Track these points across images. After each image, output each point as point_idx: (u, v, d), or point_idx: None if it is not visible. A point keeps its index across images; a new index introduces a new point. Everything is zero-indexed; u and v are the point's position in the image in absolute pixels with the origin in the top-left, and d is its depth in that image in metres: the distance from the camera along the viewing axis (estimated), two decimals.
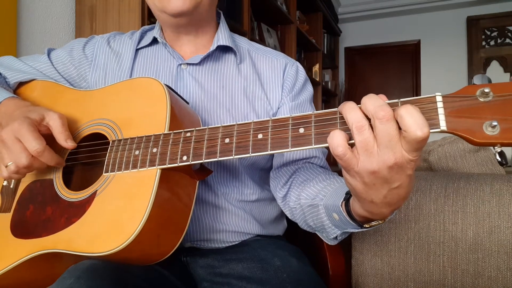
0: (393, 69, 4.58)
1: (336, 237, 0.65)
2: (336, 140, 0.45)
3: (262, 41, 2.72)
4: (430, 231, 0.87)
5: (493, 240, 0.82)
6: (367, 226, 0.57)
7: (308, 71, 3.62)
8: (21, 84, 0.84)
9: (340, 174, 0.62)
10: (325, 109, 0.51)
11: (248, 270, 0.72)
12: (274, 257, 0.74)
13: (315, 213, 0.67)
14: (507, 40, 4.02)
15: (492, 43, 4.08)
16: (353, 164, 0.45)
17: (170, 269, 0.71)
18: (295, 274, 0.71)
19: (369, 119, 0.44)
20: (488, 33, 4.08)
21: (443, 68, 4.23)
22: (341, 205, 0.58)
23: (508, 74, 3.96)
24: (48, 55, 0.88)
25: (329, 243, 0.69)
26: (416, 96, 0.46)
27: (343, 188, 0.61)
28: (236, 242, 0.81)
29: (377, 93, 0.46)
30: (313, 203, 0.68)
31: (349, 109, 0.45)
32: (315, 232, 0.72)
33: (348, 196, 0.57)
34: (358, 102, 0.46)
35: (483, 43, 4.09)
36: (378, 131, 0.43)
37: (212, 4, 0.81)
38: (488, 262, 0.82)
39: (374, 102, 0.43)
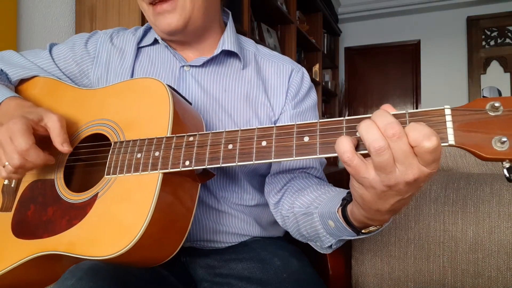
0: (393, 69, 4.56)
1: (331, 245, 0.64)
2: (343, 146, 0.44)
3: (262, 41, 2.71)
4: (430, 231, 0.87)
5: (493, 240, 0.82)
6: (365, 232, 0.56)
7: (308, 71, 3.60)
8: (22, 80, 0.83)
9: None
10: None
11: (248, 270, 0.72)
12: (274, 257, 0.74)
13: (309, 221, 0.66)
14: (507, 40, 4.01)
15: (492, 43, 4.07)
16: (362, 171, 0.44)
17: (170, 269, 0.71)
18: (295, 274, 0.71)
19: None
20: (488, 33, 4.07)
21: (443, 68, 4.22)
22: (337, 211, 0.57)
23: (508, 74, 3.95)
24: (50, 50, 0.87)
25: (322, 252, 0.68)
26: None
27: (339, 195, 0.61)
28: (237, 243, 0.81)
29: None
30: (307, 211, 0.67)
31: (366, 128, 0.43)
32: (308, 242, 0.71)
33: (345, 202, 0.57)
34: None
35: (483, 43, 4.08)
36: (391, 149, 0.42)
37: (206, 14, 0.78)
38: (488, 262, 0.82)
39: (383, 120, 0.43)
